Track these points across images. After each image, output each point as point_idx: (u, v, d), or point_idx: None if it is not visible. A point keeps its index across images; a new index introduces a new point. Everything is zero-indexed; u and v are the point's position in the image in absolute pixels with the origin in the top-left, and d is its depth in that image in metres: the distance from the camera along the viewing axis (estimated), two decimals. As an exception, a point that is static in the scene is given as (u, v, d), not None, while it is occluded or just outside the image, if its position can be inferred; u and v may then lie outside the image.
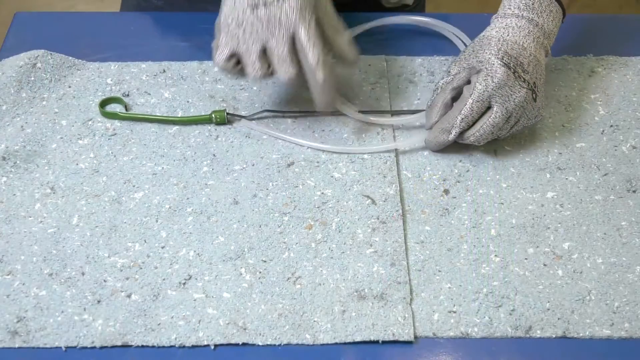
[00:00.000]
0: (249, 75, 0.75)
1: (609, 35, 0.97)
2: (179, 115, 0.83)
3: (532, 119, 0.79)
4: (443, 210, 0.76)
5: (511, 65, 0.76)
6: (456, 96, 0.80)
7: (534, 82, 0.77)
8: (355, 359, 0.65)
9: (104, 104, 0.84)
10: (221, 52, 0.75)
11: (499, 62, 0.76)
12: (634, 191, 0.79)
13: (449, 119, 0.78)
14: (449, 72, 0.80)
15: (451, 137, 0.78)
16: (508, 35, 0.78)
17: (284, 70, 0.74)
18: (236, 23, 0.74)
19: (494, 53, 0.76)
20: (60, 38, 0.93)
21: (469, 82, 0.78)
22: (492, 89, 0.76)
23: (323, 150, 0.81)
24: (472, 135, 0.78)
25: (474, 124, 0.78)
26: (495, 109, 0.76)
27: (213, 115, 0.82)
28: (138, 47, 0.92)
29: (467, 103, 0.76)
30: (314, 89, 0.75)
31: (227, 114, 0.82)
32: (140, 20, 0.98)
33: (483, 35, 0.80)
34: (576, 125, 0.85)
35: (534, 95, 0.77)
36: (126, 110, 0.84)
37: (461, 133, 0.78)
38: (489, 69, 0.76)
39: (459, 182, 0.79)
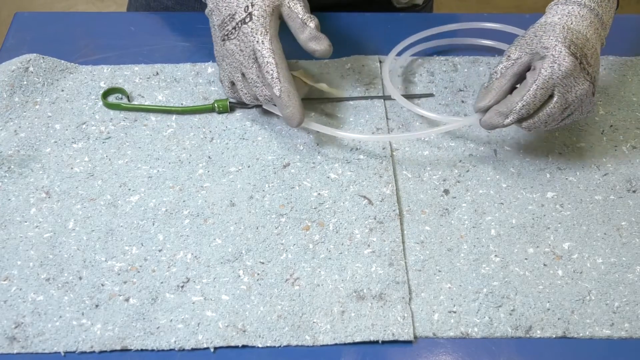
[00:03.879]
0: (246, 101, 0.85)
1: (609, 35, 1.00)
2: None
3: (584, 114, 0.81)
4: (443, 210, 0.80)
5: (578, 55, 0.77)
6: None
7: (594, 77, 0.79)
8: (355, 360, 0.69)
9: (106, 94, 0.89)
10: (224, 85, 0.87)
11: (567, 50, 0.76)
12: (634, 191, 0.83)
13: (507, 104, 0.78)
14: (509, 56, 0.80)
15: (507, 121, 0.79)
16: (572, 23, 0.79)
17: (259, 94, 0.82)
18: (220, 56, 0.85)
19: (560, 40, 0.77)
20: (60, 38, 0.97)
21: (529, 68, 0.79)
22: (557, 77, 0.76)
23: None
24: (525, 122, 0.79)
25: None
26: (555, 98, 0.77)
27: (216, 105, 0.87)
28: (137, 48, 0.96)
29: (531, 89, 0.77)
30: (276, 103, 0.81)
31: (230, 102, 0.87)
32: (140, 21, 1.02)
33: (545, 22, 0.80)
34: (576, 125, 0.89)
35: (593, 89, 0.79)
36: (129, 100, 0.89)
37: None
38: (556, 56, 0.76)
39: (459, 182, 0.83)
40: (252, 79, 0.82)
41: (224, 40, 0.82)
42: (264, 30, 0.80)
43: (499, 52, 0.98)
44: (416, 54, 0.97)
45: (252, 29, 0.80)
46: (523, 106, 0.77)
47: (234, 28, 0.81)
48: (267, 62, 0.79)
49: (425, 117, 0.88)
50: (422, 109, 0.86)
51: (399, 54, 0.94)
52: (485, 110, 0.81)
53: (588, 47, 0.78)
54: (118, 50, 0.95)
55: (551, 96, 0.77)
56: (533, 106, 0.77)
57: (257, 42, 0.79)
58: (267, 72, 0.79)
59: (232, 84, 0.86)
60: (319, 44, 0.82)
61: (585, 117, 0.82)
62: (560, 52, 0.76)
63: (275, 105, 0.83)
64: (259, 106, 0.88)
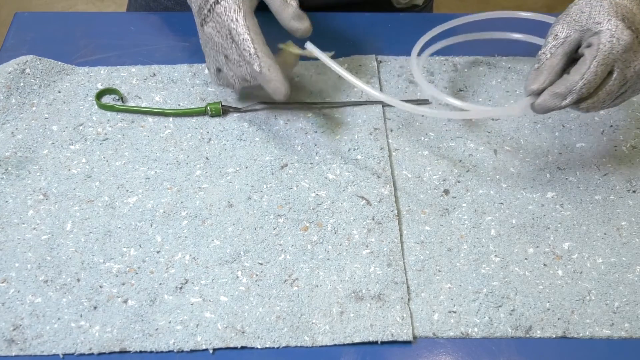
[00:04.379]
0: (235, 86, 0.84)
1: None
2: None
3: (636, 92, 0.79)
4: (443, 210, 0.81)
5: (633, 28, 0.74)
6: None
7: None
8: (355, 360, 0.70)
9: (100, 95, 0.90)
10: (210, 72, 0.86)
11: (622, 24, 0.73)
12: (634, 191, 0.83)
13: (565, 84, 0.75)
14: (556, 35, 0.77)
15: (565, 102, 0.76)
16: None
17: (244, 72, 0.80)
18: (203, 43, 0.83)
19: (612, 14, 0.74)
20: (60, 38, 0.98)
21: (578, 46, 0.77)
22: (617, 52, 0.73)
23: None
24: (584, 102, 0.76)
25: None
26: (615, 75, 0.75)
27: (208, 108, 0.88)
28: (137, 48, 0.97)
29: (591, 66, 0.73)
30: (259, 80, 0.80)
31: (222, 105, 0.88)
32: (140, 21, 1.03)
33: None
34: (576, 125, 0.90)
35: None
36: (122, 101, 0.89)
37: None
38: (613, 30, 0.73)
39: (459, 182, 0.84)
40: (234, 59, 0.80)
41: (202, 25, 0.81)
42: (237, 8, 0.78)
43: (499, 52, 0.99)
44: (434, 53, 0.96)
45: (225, 7, 0.78)
46: (584, 85, 0.74)
47: (209, 11, 0.79)
48: (242, 39, 0.77)
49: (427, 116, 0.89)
50: (460, 101, 0.83)
51: (419, 53, 0.93)
52: (539, 92, 0.77)
53: (638, 22, 0.75)
54: (118, 50, 0.96)
55: (610, 72, 0.75)
56: (594, 84, 0.74)
57: (231, 20, 0.78)
58: (244, 49, 0.77)
59: (219, 70, 0.85)
60: (302, 23, 0.80)
61: (634, 95, 0.80)
62: (617, 25, 0.73)
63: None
64: (250, 111, 0.89)
